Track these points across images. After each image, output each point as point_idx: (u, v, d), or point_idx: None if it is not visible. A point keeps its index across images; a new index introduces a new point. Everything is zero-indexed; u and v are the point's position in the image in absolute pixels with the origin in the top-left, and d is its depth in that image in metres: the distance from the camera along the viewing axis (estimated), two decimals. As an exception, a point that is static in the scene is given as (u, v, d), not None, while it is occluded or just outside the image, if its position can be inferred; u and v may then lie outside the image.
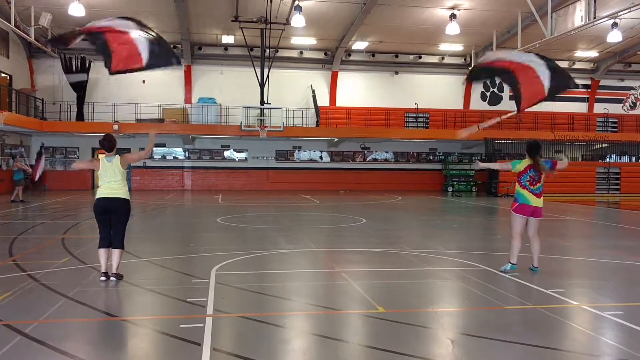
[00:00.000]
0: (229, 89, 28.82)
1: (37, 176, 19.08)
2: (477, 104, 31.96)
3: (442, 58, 30.61)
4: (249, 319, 5.14)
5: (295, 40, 27.94)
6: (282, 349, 4.41)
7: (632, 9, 18.32)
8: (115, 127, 25.49)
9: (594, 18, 19.25)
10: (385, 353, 4.27)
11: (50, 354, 4.20)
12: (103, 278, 6.51)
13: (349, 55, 29.83)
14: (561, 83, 7.30)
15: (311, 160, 30.74)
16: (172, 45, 27.67)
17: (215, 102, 28.48)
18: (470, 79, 7.90)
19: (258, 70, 26.02)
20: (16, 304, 5.58)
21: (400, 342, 4.51)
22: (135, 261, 8.09)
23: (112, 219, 6.60)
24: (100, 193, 6.59)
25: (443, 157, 31.41)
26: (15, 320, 4.99)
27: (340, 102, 30.45)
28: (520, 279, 6.95)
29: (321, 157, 30.82)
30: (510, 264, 7.34)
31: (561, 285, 6.64)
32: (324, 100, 29.87)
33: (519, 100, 7.20)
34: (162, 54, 6.21)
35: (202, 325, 4.85)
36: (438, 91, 31.27)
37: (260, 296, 6.09)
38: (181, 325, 4.85)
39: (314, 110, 29.07)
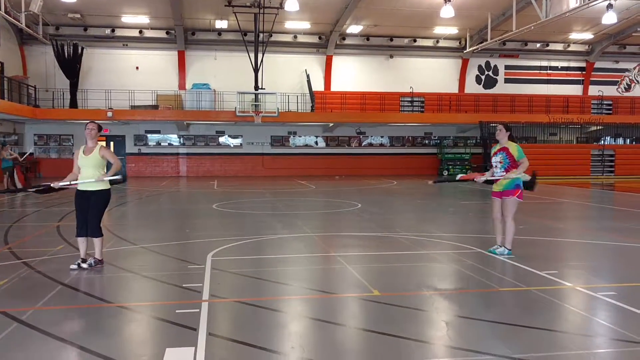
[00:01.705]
0: (223, 74, 28.65)
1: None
2: (472, 87, 31.93)
3: (437, 41, 30.47)
4: (244, 304, 5.16)
5: (289, 25, 27.75)
6: (278, 333, 4.44)
7: (627, -10, 18.23)
8: (109, 114, 25.38)
9: (589, -1, 19.16)
10: (380, 335, 4.31)
11: (47, 340, 4.21)
12: (84, 265, 6.53)
13: (344, 39, 29.65)
14: None
15: (306, 145, 30.70)
16: (165, 31, 27.63)
17: (210, 88, 28.32)
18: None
19: (252, 55, 25.86)
20: (12, 292, 5.59)
21: (395, 325, 4.54)
22: (130, 248, 8.10)
23: (89, 206, 6.55)
24: (81, 183, 6.55)
25: (438, 141, 31.42)
26: (12, 307, 4.99)
27: (335, 86, 30.34)
28: (514, 261, 7.00)
29: (316, 143, 30.78)
30: (506, 249, 7.33)
31: (555, 267, 6.69)
32: (318, 85, 29.76)
33: None
34: None
35: (198, 310, 4.87)
36: (433, 75, 31.19)
37: (256, 281, 6.12)
38: (177, 311, 4.87)
39: (308, 95, 28.96)
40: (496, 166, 7.34)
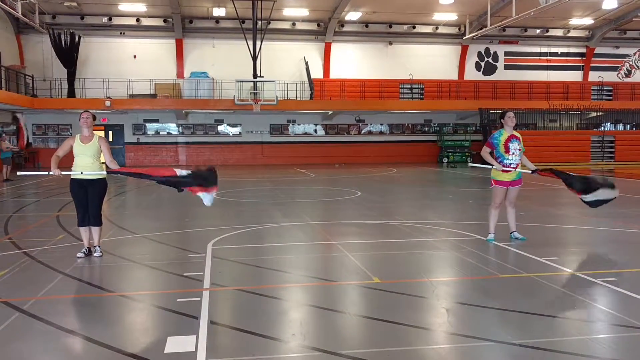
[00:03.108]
0: (221, 62, 28.50)
1: (25, 143, 18.63)
2: (472, 74, 31.80)
3: (436, 28, 30.30)
4: (245, 292, 5.17)
5: (288, 12, 27.56)
6: (279, 320, 4.45)
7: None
8: (108, 103, 25.28)
9: (590, -16, 19.00)
10: (381, 322, 4.32)
11: (48, 329, 4.23)
12: (96, 255, 6.62)
13: (342, 26, 29.47)
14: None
15: (306, 133, 30.63)
16: (163, 19, 27.42)
17: (208, 76, 28.19)
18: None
19: (250, 43, 25.70)
20: (14, 282, 5.60)
21: (395, 312, 4.55)
22: (130, 237, 8.11)
23: (88, 195, 6.53)
24: (76, 172, 6.51)
25: (438, 128, 31.35)
26: (14, 297, 5.00)
27: (334, 74, 30.19)
28: (514, 247, 7.01)
29: (316, 131, 30.71)
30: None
31: (555, 253, 6.70)
32: (317, 73, 29.62)
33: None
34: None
35: (199, 299, 4.88)
36: (432, 62, 31.04)
37: (256, 269, 6.13)
38: (178, 300, 4.88)
39: (307, 82, 28.84)
40: (514, 153, 7.24)
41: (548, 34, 31.49)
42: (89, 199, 6.50)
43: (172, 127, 29.31)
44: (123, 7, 26.51)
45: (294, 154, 29.74)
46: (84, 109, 6.62)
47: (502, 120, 7.39)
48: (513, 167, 7.27)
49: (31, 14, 24.63)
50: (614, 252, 7.09)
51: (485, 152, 7.42)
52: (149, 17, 27.55)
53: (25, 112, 26.48)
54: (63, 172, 6.36)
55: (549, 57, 32.65)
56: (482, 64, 32.19)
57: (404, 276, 5.80)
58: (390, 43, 30.68)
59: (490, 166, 7.35)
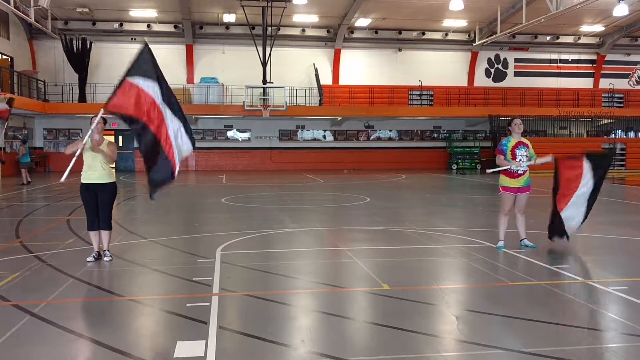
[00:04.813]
0: (231, 68, 28.63)
1: None
2: (482, 80, 31.72)
3: (446, 34, 30.27)
4: (254, 297, 5.18)
5: (297, 18, 27.66)
6: (288, 326, 4.45)
7: (639, -18, 17.99)
8: (118, 108, 25.41)
9: (600, -9, 18.94)
10: (390, 329, 4.30)
11: (58, 333, 4.25)
12: (106, 259, 6.67)
13: (352, 32, 29.52)
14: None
15: (314, 139, 30.66)
16: (173, 25, 27.59)
17: (218, 82, 28.31)
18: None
19: (260, 49, 25.81)
20: (24, 285, 5.63)
21: (405, 319, 4.53)
22: (140, 241, 8.14)
23: (97, 200, 6.58)
24: (86, 177, 6.55)
25: (447, 134, 31.26)
26: (24, 300, 5.03)
27: (344, 80, 30.23)
28: (524, 255, 6.97)
29: (324, 137, 30.73)
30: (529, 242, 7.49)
31: (566, 261, 6.66)
32: (326, 79, 29.67)
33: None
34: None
35: (208, 304, 4.89)
36: (442, 68, 30.99)
37: (265, 275, 6.13)
38: (188, 304, 4.89)
39: (317, 89, 28.89)
40: (521, 159, 7.23)
41: (558, 40, 31.37)
42: (99, 203, 6.55)
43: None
44: (134, 13, 26.73)
45: (302, 160, 29.76)
46: (95, 113, 6.63)
47: (509, 127, 7.40)
48: (520, 174, 7.24)
49: (44, 19, 24.90)
50: (625, 259, 7.03)
51: (499, 159, 7.41)
52: (159, 22, 27.74)
53: (36, 116, 26.73)
54: (75, 154, 6.18)
55: (559, 64, 32.51)
56: (492, 70, 32.12)
57: (413, 283, 5.78)
58: (400, 49, 30.69)
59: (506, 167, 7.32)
